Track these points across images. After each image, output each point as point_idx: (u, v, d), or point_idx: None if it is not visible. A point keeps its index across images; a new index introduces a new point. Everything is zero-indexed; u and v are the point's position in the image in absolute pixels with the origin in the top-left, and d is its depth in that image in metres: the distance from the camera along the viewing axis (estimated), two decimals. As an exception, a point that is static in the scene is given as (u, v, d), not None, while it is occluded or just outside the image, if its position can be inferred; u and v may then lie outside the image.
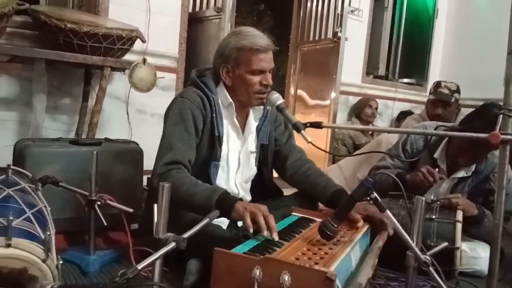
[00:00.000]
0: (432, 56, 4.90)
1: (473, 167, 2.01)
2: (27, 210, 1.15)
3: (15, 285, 1.04)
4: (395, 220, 1.26)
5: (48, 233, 1.11)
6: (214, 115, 1.67)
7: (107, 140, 2.13)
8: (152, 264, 1.02)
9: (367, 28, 4.31)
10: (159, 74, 2.76)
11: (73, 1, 2.80)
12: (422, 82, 4.94)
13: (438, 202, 1.82)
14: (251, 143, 1.81)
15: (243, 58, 1.65)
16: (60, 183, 1.60)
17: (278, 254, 1.14)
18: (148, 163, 1.86)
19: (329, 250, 1.22)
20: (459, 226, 1.73)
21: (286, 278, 1.02)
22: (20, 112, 2.47)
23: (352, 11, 4.00)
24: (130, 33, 2.39)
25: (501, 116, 1.23)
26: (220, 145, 1.69)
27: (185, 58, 3.12)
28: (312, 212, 1.64)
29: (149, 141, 2.01)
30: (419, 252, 1.21)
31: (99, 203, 1.59)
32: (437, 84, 2.91)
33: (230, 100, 1.71)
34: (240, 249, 1.17)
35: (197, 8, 3.80)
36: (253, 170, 1.83)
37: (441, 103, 2.85)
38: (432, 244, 1.66)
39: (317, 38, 4.12)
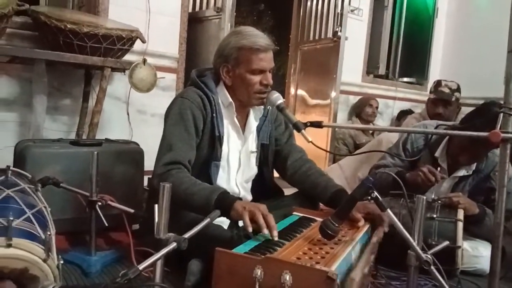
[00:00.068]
0: (432, 55, 4.90)
1: (474, 166, 2.01)
2: (27, 210, 1.15)
3: (17, 285, 1.04)
4: (396, 219, 1.25)
5: (49, 233, 1.11)
6: (214, 115, 1.67)
7: (107, 140, 2.13)
8: (153, 264, 1.02)
9: (367, 27, 4.31)
10: (159, 74, 2.76)
11: (73, 1, 2.80)
12: (422, 81, 4.94)
13: (439, 201, 1.82)
14: (252, 143, 1.81)
15: (243, 58, 1.65)
16: (61, 184, 1.60)
17: (279, 254, 1.14)
18: (149, 163, 1.86)
19: (330, 250, 1.22)
20: (460, 225, 1.73)
21: (288, 278, 1.02)
22: (20, 113, 2.47)
23: (352, 11, 4.00)
24: (130, 33, 2.39)
25: (502, 114, 1.22)
26: (221, 145, 1.69)
27: (185, 58, 3.12)
28: (313, 212, 1.64)
29: (150, 141, 2.01)
30: (420, 251, 1.21)
31: (100, 203, 1.59)
32: (438, 83, 2.91)
33: (230, 100, 1.71)
34: (241, 249, 1.17)
35: (197, 8, 3.80)
36: (253, 170, 1.83)
37: (442, 102, 2.85)
38: (434, 243, 1.66)
39: (317, 37, 4.12)
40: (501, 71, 1.28)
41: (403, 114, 4.36)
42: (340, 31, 3.71)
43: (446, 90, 2.84)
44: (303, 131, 1.44)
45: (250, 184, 1.86)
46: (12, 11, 2.04)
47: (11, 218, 1.05)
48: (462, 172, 2.02)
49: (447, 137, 2.03)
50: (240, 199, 1.49)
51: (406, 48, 4.68)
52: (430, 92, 2.94)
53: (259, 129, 1.81)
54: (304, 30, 4.26)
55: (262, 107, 1.77)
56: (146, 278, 1.23)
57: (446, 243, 1.40)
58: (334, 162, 3.42)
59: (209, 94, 1.68)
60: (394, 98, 4.63)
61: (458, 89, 2.89)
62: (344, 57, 3.74)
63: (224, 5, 3.18)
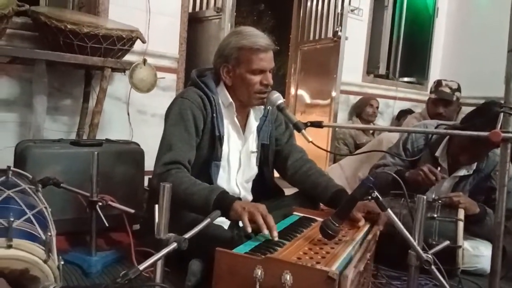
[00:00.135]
0: (433, 55, 4.90)
1: (474, 166, 2.01)
2: (27, 211, 1.15)
3: (17, 286, 1.04)
4: (396, 219, 1.25)
5: (49, 233, 1.11)
6: (214, 115, 1.67)
7: (108, 141, 2.13)
8: (154, 264, 1.02)
9: (367, 27, 4.31)
10: (160, 74, 2.76)
11: (73, 2, 2.80)
12: (422, 80, 4.94)
13: (440, 201, 1.82)
14: (252, 143, 1.81)
15: (244, 58, 1.65)
16: (61, 184, 1.60)
17: (280, 254, 1.14)
18: (149, 163, 1.86)
19: (331, 250, 1.22)
20: (461, 224, 1.73)
21: (288, 278, 1.02)
22: (20, 113, 2.47)
23: (352, 10, 4.00)
24: (130, 33, 2.39)
25: (502, 114, 1.22)
26: (221, 145, 1.69)
27: (185, 59, 3.12)
28: (313, 212, 1.63)
29: (150, 141, 2.01)
30: (421, 251, 1.21)
31: (100, 204, 1.59)
32: (438, 83, 2.91)
33: (231, 100, 1.71)
34: (241, 249, 1.17)
35: (197, 8, 3.80)
36: (254, 170, 1.83)
37: (443, 102, 2.84)
38: (434, 242, 1.66)
39: (317, 37, 4.12)
40: (501, 70, 1.28)
41: (403, 114, 4.36)
42: (340, 31, 3.71)
43: (447, 90, 2.84)
44: (303, 131, 1.44)
45: (250, 184, 1.86)
46: (12, 12, 2.04)
47: (12, 219, 1.05)
48: (462, 172, 2.02)
49: (447, 137, 2.03)
50: (240, 199, 1.49)
51: (407, 48, 4.68)
52: (431, 92, 2.93)
53: (259, 129, 1.81)
54: (304, 30, 4.26)
55: (262, 107, 1.77)
56: (147, 278, 1.24)
57: (447, 242, 1.40)
58: (334, 162, 3.42)
59: (209, 94, 1.68)
60: (394, 98, 4.64)
61: (458, 89, 2.89)
62: (344, 57, 3.74)
63: (224, 5, 3.18)
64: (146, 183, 2.15)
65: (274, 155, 1.87)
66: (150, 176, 1.73)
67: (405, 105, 4.67)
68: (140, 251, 1.59)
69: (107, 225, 1.57)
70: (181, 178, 1.49)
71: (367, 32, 4.31)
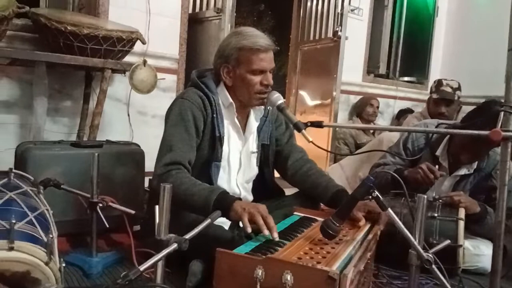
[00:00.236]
0: (433, 54, 4.90)
1: (475, 165, 2.01)
2: (29, 213, 1.15)
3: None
4: (397, 219, 1.25)
5: (51, 236, 1.11)
6: (214, 115, 1.67)
7: (108, 142, 2.13)
8: (155, 265, 1.02)
9: (368, 27, 4.31)
10: (160, 75, 2.77)
11: (73, 3, 2.81)
12: (423, 80, 4.94)
13: (440, 200, 1.82)
14: (252, 143, 1.81)
15: (244, 58, 1.65)
16: (61, 186, 1.60)
17: (280, 254, 1.14)
18: (150, 164, 1.87)
19: (331, 249, 1.22)
20: (461, 224, 1.72)
21: (289, 278, 1.02)
22: (21, 115, 2.47)
23: (352, 10, 4.00)
24: (130, 34, 2.39)
25: (502, 113, 1.22)
26: (221, 145, 1.69)
27: (185, 59, 3.12)
28: (314, 212, 1.63)
29: (150, 142, 2.01)
30: (421, 250, 1.21)
31: (101, 205, 1.59)
32: (439, 83, 2.90)
33: (231, 100, 1.71)
34: (242, 250, 1.17)
35: (197, 9, 3.81)
36: (254, 170, 1.83)
37: (444, 101, 2.84)
38: (435, 242, 1.65)
39: (317, 37, 4.12)
40: (501, 69, 1.28)
41: (403, 113, 4.37)
42: (340, 30, 3.70)
43: (448, 89, 2.84)
44: (303, 131, 1.44)
45: (251, 185, 1.86)
46: (12, 14, 2.04)
47: (14, 221, 1.05)
48: (463, 171, 2.01)
49: (448, 136, 2.03)
50: (240, 199, 1.49)
51: (407, 47, 4.69)
52: (432, 92, 2.93)
53: (259, 130, 1.81)
54: (304, 30, 4.26)
55: (263, 107, 1.77)
56: (147, 279, 1.24)
57: (448, 242, 1.39)
58: (335, 162, 3.42)
59: (210, 95, 1.68)
60: (394, 98, 4.64)
61: (459, 88, 2.89)
62: (344, 56, 3.74)
63: (224, 5, 3.18)
64: (146, 184, 2.15)
65: (274, 155, 1.87)
66: (151, 177, 1.73)
67: (406, 104, 4.67)
68: (140, 252, 1.59)
69: (107, 226, 1.57)
70: (181, 179, 1.49)
71: (367, 32, 4.31)
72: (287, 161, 1.85)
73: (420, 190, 1.66)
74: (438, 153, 2.03)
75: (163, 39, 2.94)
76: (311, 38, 4.18)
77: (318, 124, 1.42)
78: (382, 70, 4.68)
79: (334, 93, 3.79)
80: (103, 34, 2.26)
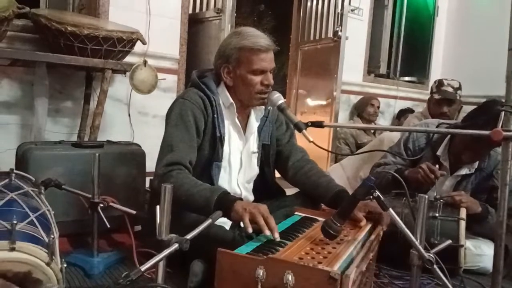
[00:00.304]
0: (433, 54, 4.90)
1: (476, 164, 2.01)
2: (30, 213, 1.15)
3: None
4: (398, 219, 1.25)
5: (52, 236, 1.11)
6: (215, 115, 1.67)
7: (109, 142, 2.13)
8: (156, 265, 1.02)
9: (368, 26, 4.31)
10: (160, 75, 2.77)
11: (73, 4, 2.81)
12: (423, 80, 4.94)
13: (442, 200, 1.82)
14: (253, 143, 1.81)
15: (244, 58, 1.65)
16: (63, 186, 1.60)
17: (282, 254, 1.14)
18: (151, 164, 1.87)
19: (333, 250, 1.22)
20: (462, 223, 1.72)
21: (290, 278, 1.02)
22: (22, 115, 2.47)
23: (352, 10, 4.00)
24: (130, 35, 2.39)
25: (503, 112, 1.22)
26: (222, 145, 1.69)
27: (185, 60, 3.12)
28: (314, 212, 1.63)
29: (151, 142, 2.01)
30: (423, 250, 1.20)
31: (102, 205, 1.59)
32: (440, 83, 2.91)
33: (231, 100, 1.71)
34: (243, 250, 1.17)
35: (197, 9, 3.81)
36: (255, 170, 1.83)
37: (446, 101, 2.85)
38: (436, 242, 1.65)
39: (317, 37, 4.12)
40: (502, 69, 1.28)
41: (403, 113, 4.37)
42: (341, 30, 3.70)
43: (450, 89, 2.84)
44: (304, 131, 1.44)
45: (251, 185, 1.86)
46: (12, 14, 2.04)
47: (15, 222, 1.05)
48: (464, 171, 2.01)
49: (449, 136, 2.03)
50: (241, 199, 1.49)
51: (407, 47, 4.69)
52: (433, 92, 2.92)
53: (260, 130, 1.81)
54: (304, 30, 4.26)
55: (263, 107, 1.77)
56: (149, 279, 1.24)
57: (449, 242, 1.39)
58: (336, 162, 3.42)
59: (210, 95, 1.68)
60: (395, 97, 4.63)
61: (460, 87, 2.89)
62: (344, 56, 3.74)
63: (224, 6, 3.18)
64: (147, 184, 2.15)
65: (275, 156, 1.87)
66: (152, 177, 1.73)
67: (406, 104, 4.67)
68: (142, 252, 1.59)
69: (108, 226, 1.58)
70: (182, 179, 1.49)
71: (367, 32, 4.31)
72: (287, 161, 1.85)
73: (421, 190, 1.66)
74: (439, 153, 2.03)
75: (163, 39, 2.94)
76: (312, 38, 4.18)
77: (318, 124, 1.42)
78: (383, 70, 4.68)
79: (335, 93, 3.79)
80: (104, 35, 2.26)
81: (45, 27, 2.20)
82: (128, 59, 2.56)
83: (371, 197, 1.26)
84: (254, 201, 1.79)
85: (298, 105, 4.26)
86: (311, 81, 4.13)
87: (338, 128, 3.78)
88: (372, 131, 3.87)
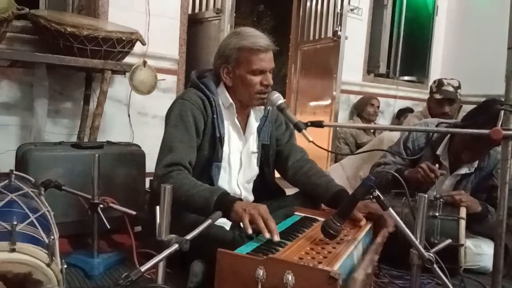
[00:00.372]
0: (433, 53, 4.90)
1: (475, 164, 2.01)
2: (30, 214, 1.15)
3: (20, 289, 1.05)
4: (398, 218, 1.25)
5: (52, 237, 1.11)
6: (215, 116, 1.67)
7: (109, 143, 2.13)
8: (156, 266, 1.02)
9: (367, 26, 4.31)
10: (160, 76, 2.77)
11: (73, 5, 2.81)
12: (423, 79, 4.94)
13: (441, 199, 1.82)
14: (253, 144, 1.81)
15: (244, 58, 1.65)
16: (62, 187, 1.60)
17: (282, 254, 1.14)
18: (150, 165, 1.87)
19: (333, 249, 1.22)
20: (462, 223, 1.72)
21: (290, 278, 1.02)
22: (21, 116, 2.47)
23: (351, 10, 4.00)
24: (130, 35, 2.39)
25: (503, 111, 1.22)
26: (222, 146, 1.69)
27: (185, 60, 3.12)
28: (314, 212, 1.63)
29: (151, 143, 2.01)
30: (423, 250, 1.21)
31: (102, 206, 1.59)
32: (440, 83, 2.90)
33: (231, 101, 1.71)
34: (243, 250, 1.17)
35: (197, 10, 3.81)
36: (255, 171, 1.83)
37: (448, 101, 2.85)
38: (436, 241, 1.65)
39: (317, 37, 4.12)
40: (502, 68, 1.28)
41: (402, 113, 4.37)
42: (340, 30, 3.70)
43: (450, 89, 2.84)
44: (304, 131, 1.44)
45: (251, 185, 1.86)
46: (12, 15, 2.04)
47: (15, 223, 1.05)
48: (464, 170, 2.01)
49: (448, 135, 2.03)
50: (241, 199, 1.49)
51: (407, 47, 4.68)
52: (433, 92, 2.92)
53: (259, 130, 1.81)
54: (304, 30, 4.26)
55: (263, 107, 1.77)
56: (149, 279, 1.24)
57: (449, 241, 1.39)
58: (335, 162, 3.42)
59: (210, 96, 1.68)
60: (395, 97, 4.63)
61: (459, 86, 2.89)
62: (344, 56, 3.74)
63: (224, 6, 3.18)
64: (147, 184, 2.15)
65: (274, 156, 1.87)
66: (152, 178, 1.73)
67: (406, 104, 4.67)
68: (142, 252, 1.59)
69: (108, 227, 1.58)
70: (181, 180, 1.49)
71: (367, 31, 4.31)
72: (287, 161, 1.85)
73: (421, 190, 1.66)
74: (438, 152, 2.03)
75: (163, 40, 2.94)
76: (311, 38, 4.18)
77: (318, 124, 1.42)
78: (382, 69, 4.67)
79: (334, 93, 3.79)
80: (103, 35, 2.26)
81: (45, 28, 2.20)
82: (128, 59, 2.56)
83: (371, 196, 1.26)
84: (254, 201, 1.79)
85: (297, 105, 4.26)
86: (311, 81, 4.13)
87: (337, 128, 3.78)
88: (372, 130, 3.87)
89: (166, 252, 1.02)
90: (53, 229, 1.21)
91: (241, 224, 1.36)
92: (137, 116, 2.89)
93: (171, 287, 1.12)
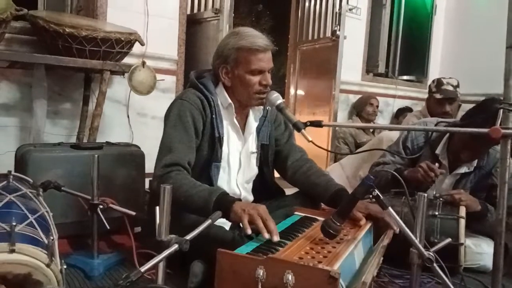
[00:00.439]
0: (432, 53, 4.90)
1: (475, 163, 2.01)
2: (29, 215, 1.15)
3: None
4: (397, 218, 1.25)
5: (51, 237, 1.11)
6: (214, 116, 1.67)
7: (108, 143, 2.13)
8: (156, 266, 1.02)
9: (366, 26, 4.31)
10: (159, 76, 2.77)
11: (71, 5, 2.81)
12: (422, 78, 4.95)
13: (441, 199, 1.82)
14: (252, 144, 1.81)
15: (242, 58, 1.65)
16: (62, 188, 1.60)
17: (281, 254, 1.14)
18: (150, 166, 1.86)
19: (332, 249, 1.22)
20: (462, 222, 1.72)
21: (290, 278, 1.02)
22: (21, 117, 2.47)
23: (350, 9, 4.00)
24: (128, 36, 2.39)
25: (502, 110, 1.22)
26: (221, 146, 1.69)
27: (184, 60, 3.12)
28: (314, 211, 1.64)
29: (150, 143, 2.01)
30: (422, 249, 1.21)
31: (101, 206, 1.59)
32: (439, 82, 2.90)
33: (230, 101, 1.71)
34: (243, 250, 1.17)
35: (195, 10, 3.81)
36: (254, 171, 1.83)
37: (448, 100, 2.85)
38: (436, 240, 1.66)
39: (316, 37, 4.12)
40: (501, 67, 1.28)
41: (401, 112, 4.37)
42: (339, 30, 3.71)
43: (450, 88, 2.85)
44: (303, 130, 1.44)
45: (251, 185, 1.86)
46: (10, 16, 2.04)
47: (14, 224, 1.05)
48: (463, 169, 2.01)
49: (447, 134, 2.03)
50: (240, 199, 1.49)
51: (405, 46, 4.68)
52: (433, 92, 2.91)
53: (259, 130, 1.81)
54: (302, 30, 4.26)
55: (262, 107, 1.77)
56: (149, 280, 1.24)
57: (449, 240, 1.39)
58: (335, 161, 3.42)
59: (208, 96, 1.68)
60: (394, 96, 4.64)
61: (458, 85, 2.90)
62: (343, 56, 3.74)
63: (222, 6, 3.18)
64: (147, 185, 2.15)
65: (274, 155, 1.87)
66: (151, 178, 1.73)
67: (405, 103, 4.67)
68: (142, 253, 1.59)
69: (108, 227, 1.57)
70: (181, 180, 1.49)
71: (365, 31, 4.31)
72: (286, 161, 1.85)
73: (420, 189, 1.66)
74: (438, 151, 2.03)
75: (161, 40, 2.94)
76: (310, 38, 4.19)
77: (317, 124, 1.42)
78: (381, 69, 4.68)
79: (334, 93, 3.79)
80: (102, 36, 2.25)
81: (43, 29, 2.20)
82: (127, 60, 2.56)
83: (370, 196, 1.26)
84: (254, 201, 1.79)
85: (296, 105, 4.26)
86: (310, 81, 4.13)
87: (337, 128, 3.78)
88: (371, 130, 3.88)
89: (166, 253, 1.02)
90: (52, 230, 1.21)
91: (241, 224, 1.36)
92: (136, 117, 2.89)
93: (171, 287, 1.12)
